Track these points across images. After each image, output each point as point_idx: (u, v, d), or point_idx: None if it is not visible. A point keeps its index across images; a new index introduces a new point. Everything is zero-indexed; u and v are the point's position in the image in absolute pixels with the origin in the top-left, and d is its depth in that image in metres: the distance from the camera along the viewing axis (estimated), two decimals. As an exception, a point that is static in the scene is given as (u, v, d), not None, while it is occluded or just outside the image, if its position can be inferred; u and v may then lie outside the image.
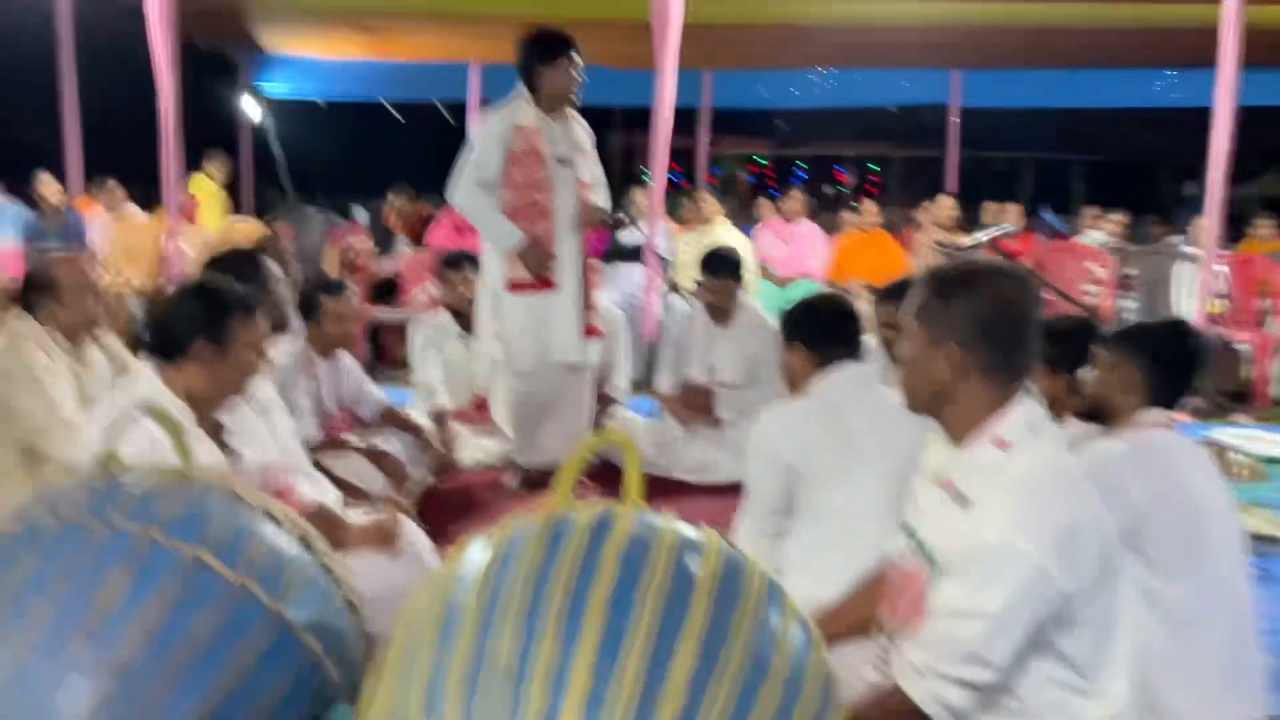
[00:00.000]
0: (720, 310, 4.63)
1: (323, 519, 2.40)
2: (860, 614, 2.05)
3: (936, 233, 7.30)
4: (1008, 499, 1.59)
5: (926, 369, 1.71)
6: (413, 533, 2.96)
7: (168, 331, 2.26)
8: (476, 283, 4.56)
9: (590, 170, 4.09)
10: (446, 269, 4.73)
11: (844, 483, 2.45)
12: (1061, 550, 1.54)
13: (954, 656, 1.56)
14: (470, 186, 3.87)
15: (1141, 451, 2.19)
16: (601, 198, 4.15)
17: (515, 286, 3.92)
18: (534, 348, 3.97)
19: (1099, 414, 2.38)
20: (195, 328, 2.24)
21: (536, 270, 3.89)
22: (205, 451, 2.21)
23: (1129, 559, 2.04)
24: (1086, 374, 2.49)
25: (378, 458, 3.61)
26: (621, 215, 6.60)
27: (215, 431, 2.34)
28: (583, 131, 4.07)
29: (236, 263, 3.07)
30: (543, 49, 3.86)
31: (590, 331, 4.11)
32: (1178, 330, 2.39)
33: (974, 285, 1.69)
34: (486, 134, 3.89)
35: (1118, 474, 2.10)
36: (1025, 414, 1.68)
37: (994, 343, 1.67)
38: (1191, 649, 2.06)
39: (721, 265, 4.60)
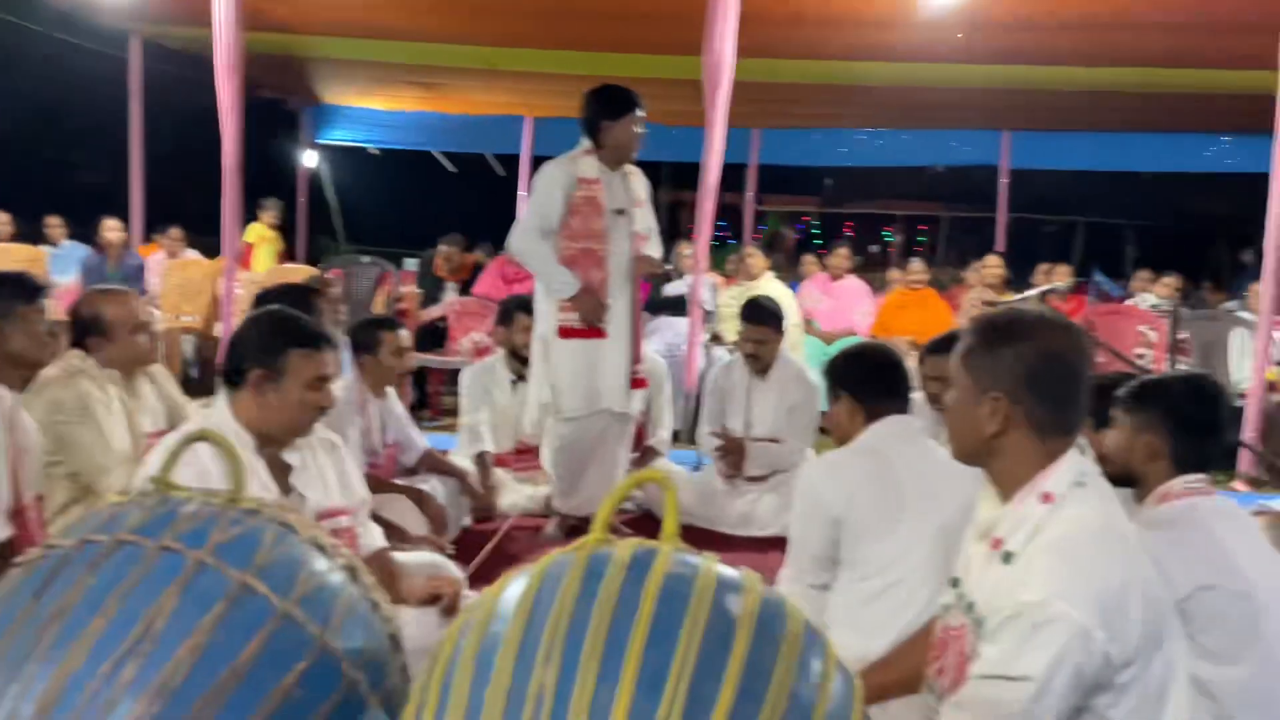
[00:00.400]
0: (759, 361, 4.63)
1: (381, 568, 2.40)
2: (907, 668, 2.01)
3: (985, 292, 7.27)
4: (1048, 557, 1.54)
5: (973, 418, 1.67)
6: (453, 574, 2.98)
7: (232, 359, 2.29)
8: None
9: (645, 222, 4.16)
10: (518, 311, 4.75)
11: (890, 535, 2.42)
12: (1105, 611, 1.48)
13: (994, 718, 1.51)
14: (531, 233, 3.94)
15: (1178, 526, 2.05)
16: (655, 248, 4.22)
17: (565, 333, 3.97)
18: (583, 394, 4.01)
19: (1123, 478, 2.21)
20: (251, 355, 2.25)
21: (590, 319, 3.92)
22: (259, 485, 2.23)
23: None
24: (1107, 436, 2.35)
25: (419, 499, 3.63)
26: (670, 266, 6.65)
27: (282, 471, 2.34)
28: (640, 184, 4.16)
29: (287, 296, 3.13)
30: (610, 104, 3.97)
31: (638, 383, 4.15)
32: (1196, 384, 2.23)
33: (1022, 334, 1.65)
34: (549, 182, 3.97)
35: (1152, 553, 1.99)
36: (1073, 469, 1.64)
37: (1041, 395, 1.63)
38: None
39: (760, 313, 4.63)
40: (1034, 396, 1.63)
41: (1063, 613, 1.48)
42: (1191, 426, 2.13)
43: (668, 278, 4.34)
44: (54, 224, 9.26)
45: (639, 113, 3.97)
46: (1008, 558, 1.60)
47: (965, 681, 1.60)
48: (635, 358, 4.14)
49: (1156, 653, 1.56)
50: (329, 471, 2.46)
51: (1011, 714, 1.50)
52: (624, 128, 3.94)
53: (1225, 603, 1.95)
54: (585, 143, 4.03)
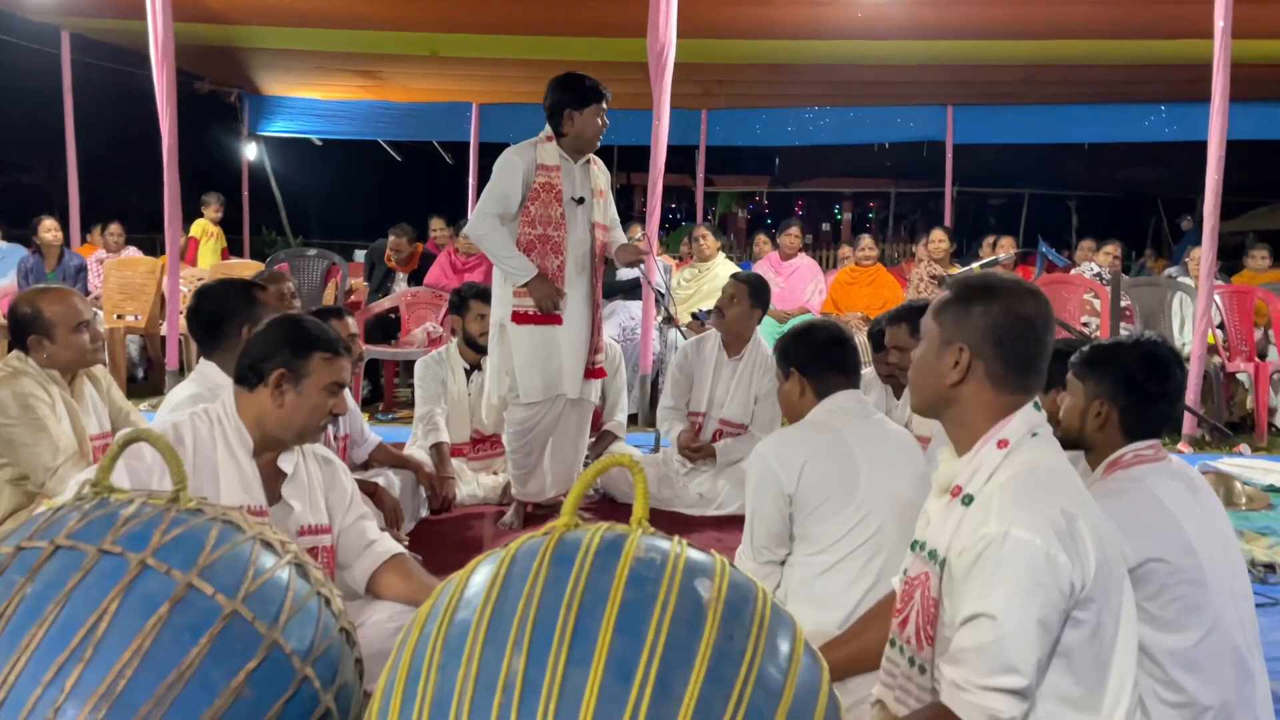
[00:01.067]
0: (720, 318, 4.62)
1: (400, 575, 2.41)
2: (863, 645, 2.03)
3: (931, 266, 7.35)
4: (1004, 493, 1.61)
5: (936, 368, 1.74)
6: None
7: (251, 358, 2.27)
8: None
9: (607, 212, 4.17)
10: (472, 299, 4.70)
11: (843, 510, 2.44)
12: (1061, 536, 1.54)
13: (984, 666, 1.53)
14: (489, 218, 3.93)
15: (1127, 496, 2.04)
16: (618, 238, 4.22)
17: (519, 318, 3.97)
18: (539, 379, 4.01)
19: (1073, 442, 2.21)
20: (275, 355, 2.25)
21: (545, 305, 3.93)
22: (243, 489, 2.20)
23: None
24: (1056, 399, 2.35)
25: (374, 493, 3.59)
26: (646, 250, 6.61)
27: (274, 479, 2.33)
28: (600, 174, 4.16)
29: (229, 291, 3.04)
30: (576, 93, 3.95)
31: (596, 373, 4.16)
32: (1150, 351, 2.18)
33: (993, 294, 1.72)
34: (509, 168, 3.95)
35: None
36: (1028, 421, 1.70)
37: (1003, 351, 1.70)
38: (1190, 698, 1.94)
39: (739, 273, 4.74)
40: (996, 352, 1.70)
41: (1023, 539, 1.53)
42: (1144, 394, 2.13)
43: (641, 261, 4.32)
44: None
45: (604, 104, 3.97)
46: (967, 500, 1.66)
47: (944, 632, 1.63)
48: (594, 347, 4.14)
49: (1111, 598, 1.59)
50: (317, 487, 2.43)
51: (996, 654, 1.52)
52: (588, 118, 3.94)
53: (1172, 574, 1.96)
54: (547, 129, 4.01)
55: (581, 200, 4.02)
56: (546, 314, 3.95)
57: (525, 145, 4.01)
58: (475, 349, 4.68)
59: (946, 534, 1.67)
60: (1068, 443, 2.21)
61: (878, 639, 1.95)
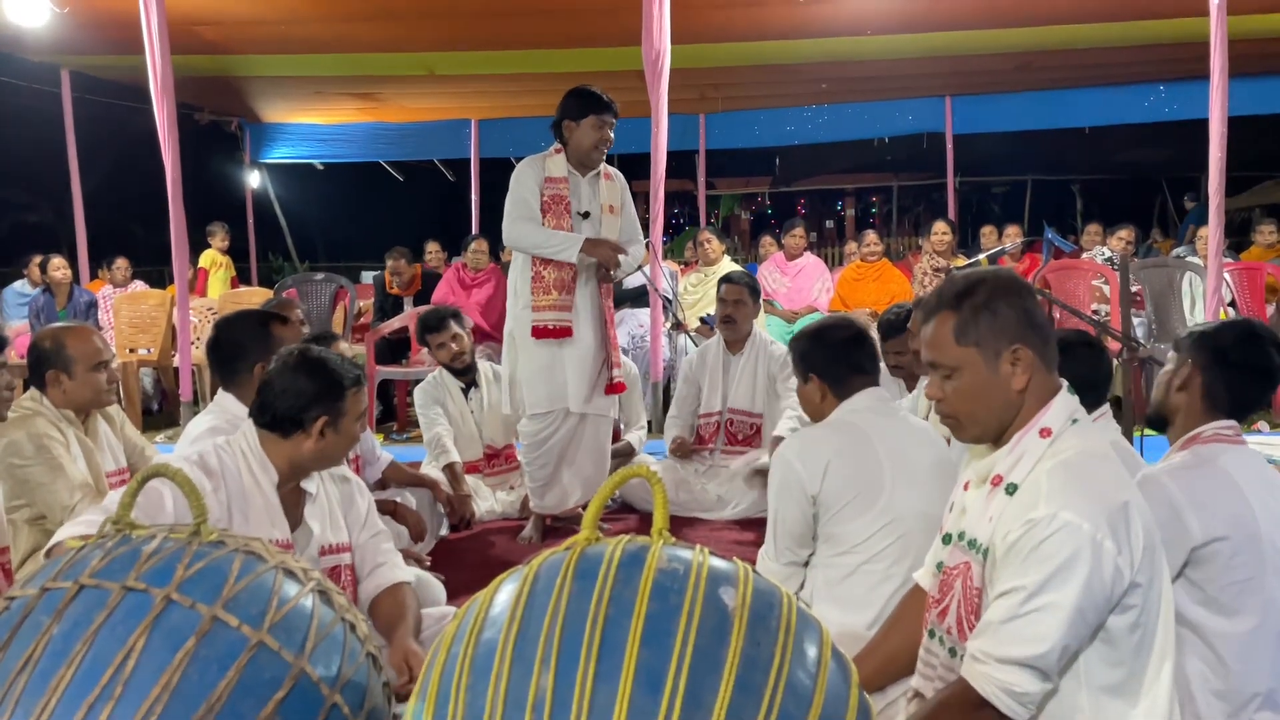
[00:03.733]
0: (735, 327, 4.68)
1: (394, 607, 2.40)
2: (890, 650, 2.00)
3: (935, 259, 7.33)
4: (1051, 479, 1.58)
5: (997, 384, 1.68)
6: (432, 586, 2.95)
7: (287, 408, 2.26)
8: (466, 335, 4.58)
9: (625, 229, 4.13)
10: (426, 332, 4.70)
11: (869, 510, 2.42)
12: (1111, 523, 1.51)
13: (1006, 638, 1.51)
14: (517, 222, 3.94)
15: (1200, 472, 2.03)
16: (635, 253, 4.16)
17: (539, 333, 3.96)
18: (546, 392, 4.01)
19: (1159, 421, 2.22)
20: (316, 405, 2.26)
21: (609, 262, 3.94)
22: (269, 523, 2.22)
23: (1179, 590, 1.96)
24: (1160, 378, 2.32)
25: (394, 510, 3.59)
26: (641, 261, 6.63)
27: (296, 503, 2.34)
28: (614, 190, 4.11)
29: (247, 324, 3.06)
30: (574, 106, 3.96)
31: (614, 388, 4.12)
32: (1247, 330, 2.17)
33: (1001, 286, 1.71)
34: (521, 178, 3.98)
35: (1174, 498, 1.96)
36: (1067, 406, 1.69)
37: (1040, 332, 1.70)
38: (1237, 683, 1.93)
39: (734, 275, 4.77)
40: (1036, 335, 1.69)
41: (1070, 521, 1.50)
42: (1232, 366, 2.12)
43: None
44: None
45: (606, 116, 3.95)
46: (1011, 489, 1.62)
47: (979, 614, 1.60)
48: (611, 362, 4.10)
49: (1155, 583, 1.57)
50: (336, 505, 2.44)
51: (1026, 625, 1.49)
52: (585, 130, 3.93)
53: (1235, 554, 1.95)
54: (556, 142, 4.05)
55: (586, 215, 4.00)
56: (559, 327, 3.94)
57: (536, 158, 4.03)
58: (455, 373, 4.70)
59: (988, 523, 1.64)
60: (1152, 418, 2.23)
61: (904, 645, 1.93)
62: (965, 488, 1.78)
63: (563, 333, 3.96)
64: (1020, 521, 1.55)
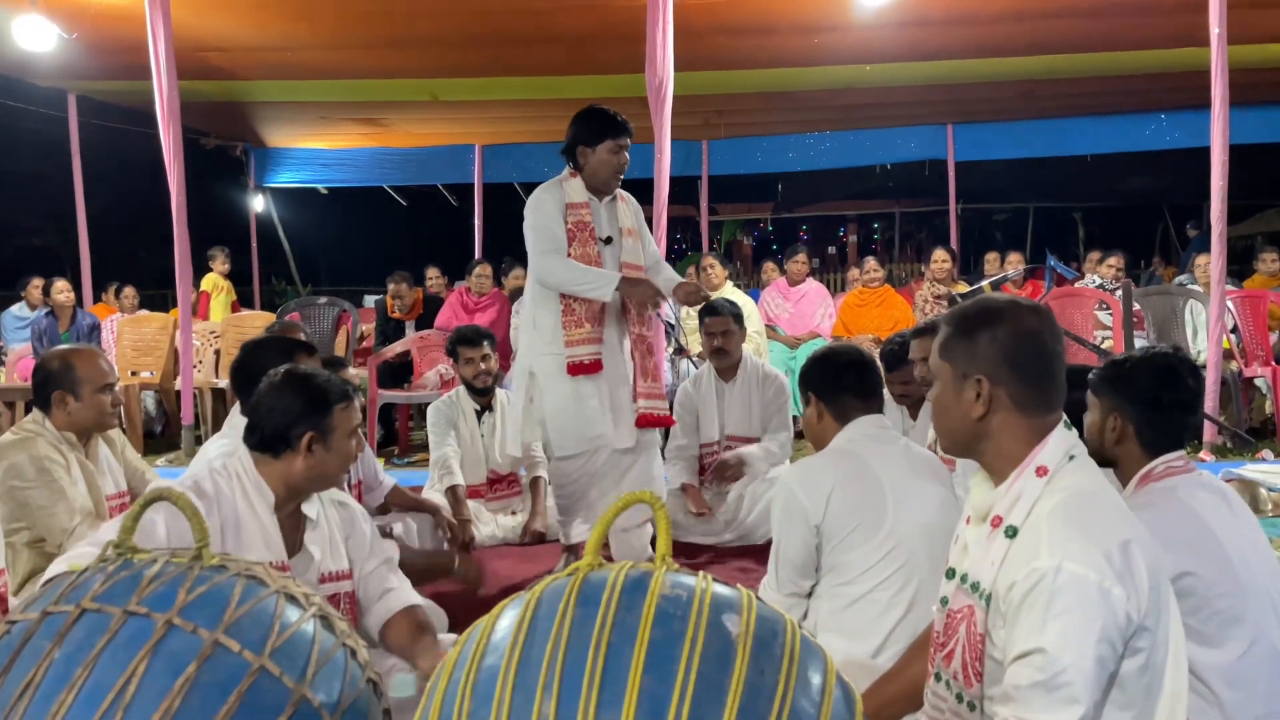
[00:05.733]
0: (725, 356, 4.67)
1: (410, 627, 2.39)
2: (912, 678, 1.97)
3: (935, 286, 7.34)
4: (1052, 523, 1.56)
5: (958, 406, 1.70)
6: (434, 613, 2.93)
7: (273, 428, 2.25)
8: (494, 358, 4.58)
9: (647, 250, 3.95)
10: (459, 345, 4.73)
11: (872, 538, 2.40)
12: (1116, 568, 1.49)
13: (1040, 703, 1.48)
14: (546, 255, 3.70)
15: (1161, 509, 2.02)
16: (670, 275, 3.98)
17: (575, 369, 3.72)
18: (575, 431, 3.77)
19: (1100, 460, 2.17)
20: (301, 421, 2.24)
21: (652, 302, 3.75)
22: (264, 544, 2.21)
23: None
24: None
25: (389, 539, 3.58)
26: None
27: (295, 528, 2.33)
28: (628, 212, 3.92)
29: (268, 350, 3.06)
30: (588, 130, 3.75)
31: (645, 419, 3.85)
32: (1163, 364, 2.17)
33: (994, 317, 1.69)
34: (542, 206, 3.75)
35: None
36: (1064, 443, 1.67)
37: (1020, 373, 1.67)
38: (1231, 711, 1.92)
39: (716, 305, 4.66)
40: (1014, 375, 1.67)
41: (1076, 574, 1.49)
42: (1157, 406, 2.12)
43: (706, 299, 4.05)
44: None
45: (623, 139, 3.74)
46: (1011, 532, 1.61)
47: (992, 668, 1.59)
48: (643, 393, 3.85)
49: (1162, 621, 1.56)
50: (337, 532, 2.43)
51: (1058, 688, 1.47)
52: (601, 156, 3.72)
53: (1209, 587, 1.94)
54: (569, 167, 3.83)
55: (609, 240, 3.81)
56: (592, 362, 3.71)
57: (552, 184, 3.81)
58: (475, 392, 4.70)
59: (990, 567, 1.63)
60: (1094, 460, 2.20)
61: (919, 679, 1.91)
62: (967, 521, 1.76)
63: (595, 367, 3.72)
64: (1024, 570, 1.54)
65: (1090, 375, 2.25)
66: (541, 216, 3.72)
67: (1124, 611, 1.49)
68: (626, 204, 3.93)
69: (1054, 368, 1.70)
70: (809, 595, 2.52)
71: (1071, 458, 1.66)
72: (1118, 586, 1.49)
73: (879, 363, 4.25)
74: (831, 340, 7.09)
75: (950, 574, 1.76)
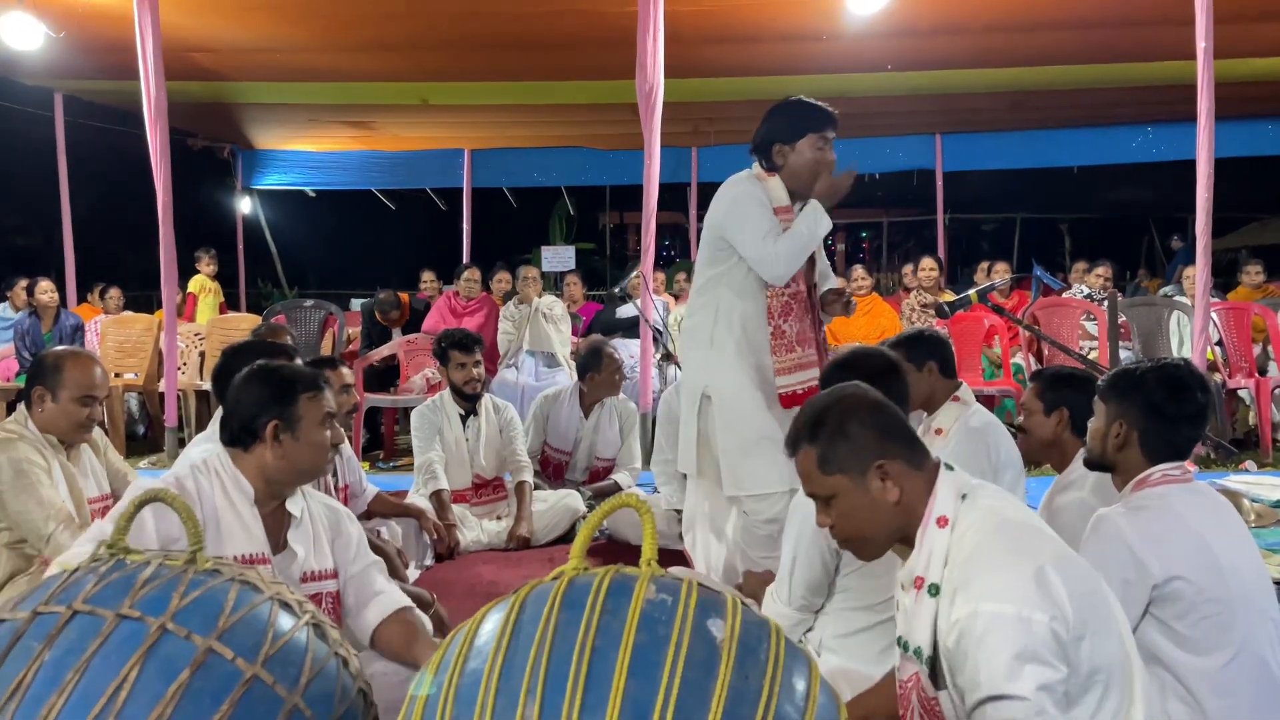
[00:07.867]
0: None
1: (403, 629, 2.37)
2: (891, 693, 1.99)
3: (922, 295, 7.37)
4: (964, 571, 1.60)
5: (876, 504, 1.72)
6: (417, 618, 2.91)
7: (240, 419, 2.27)
8: (483, 365, 4.57)
9: (821, 261, 3.53)
10: (451, 349, 4.69)
11: (891, 568, 2.38)
12: (1029, 595, 1.53)
13: None
14: (767, 240, 3.18)
15: (1152, 513, 2.04)
16: (832, 283, 3.59)
17: (788, 400, 3.25)
18: (774, 460, 3.13)
19: (1100, 464, 2.24)
20: (263, 409, 2.24)
21: (845, 187, 3.27)
22: (246, 538, 2.21)
23: (1151, 631, 1.97)
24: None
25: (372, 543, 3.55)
26: (616, 290, 6.66)
27: (279, 525, 2.32)
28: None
29: (250, 354, 3.04)
30: (787, 124, 3.29)
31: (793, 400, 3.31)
32: (1169, 375, 2.16)
33: (844, 410, 1.76)
34: (750, 198, 3.27)
35: (1130, 538, 1.98)
36: (952, 487, 1.71)
37: (897, 436, 1.75)
38: (1217, 719, 1.93)
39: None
40: (893, 442, 1.73)
41: (996, 612, 1.52)
42: (1164, 417, 2.12)
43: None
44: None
45: (828, 132, 3.28)
46: (934, 590, 1.65)
47: (938, 715, 1.65)
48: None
49: (1103, 629, 1.58)
50: (323, 532, 2.42)
51: (1030, 717, 1.49)
52: (801, 152, 3.26)
53: (1199, 593, 1.95)
54: (757, 167, 3.36)
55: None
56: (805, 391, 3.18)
57: (746, 178, 3.34)
58: (463, 397, 4.68)
59: (925, 629, 1.67)
60: (1093, 464, 2.23)
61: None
62: (903, 588, 1.78)
63: (810, 395, 2.95)
64: (949, 624, 1.59)
65: (1099, 382, 2.27)
66: (751, 204, 3.23)
67: (1048, 632, 1.52)
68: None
69: (904, 418, 1.79)
70: (818, 612, 2.49)
71: (964, 496, 1.70)
72: (1038, 612, 1.52)
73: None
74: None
75: (899, 643, 1.77)
